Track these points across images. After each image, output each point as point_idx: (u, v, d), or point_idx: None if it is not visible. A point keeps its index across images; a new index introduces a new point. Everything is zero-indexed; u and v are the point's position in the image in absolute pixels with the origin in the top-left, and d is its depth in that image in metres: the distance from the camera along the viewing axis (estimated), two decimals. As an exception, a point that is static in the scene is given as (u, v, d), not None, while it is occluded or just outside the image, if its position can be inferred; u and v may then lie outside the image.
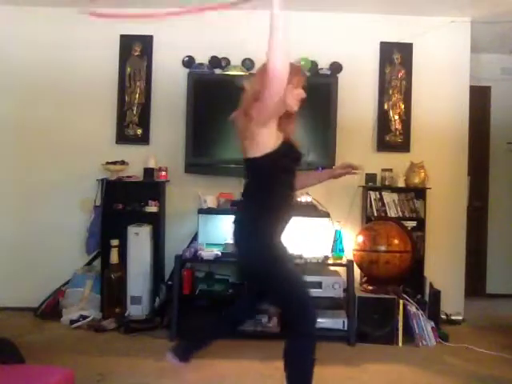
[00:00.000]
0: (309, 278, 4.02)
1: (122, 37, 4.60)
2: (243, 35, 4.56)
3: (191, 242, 4.43)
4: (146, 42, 4.60)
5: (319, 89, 4.47)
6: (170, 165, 4.52)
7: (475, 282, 5.25)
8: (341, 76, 4.55)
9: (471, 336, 4.17)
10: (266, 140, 2.45)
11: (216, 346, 2.85)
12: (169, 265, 4.41)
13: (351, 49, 4.62)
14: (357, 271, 4.22)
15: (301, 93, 2.58)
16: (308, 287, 2.62)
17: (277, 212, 2.52)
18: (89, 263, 4.58)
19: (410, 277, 4.20)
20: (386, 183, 4.49)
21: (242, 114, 2.48)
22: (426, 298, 4.22)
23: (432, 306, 4.13)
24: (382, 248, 4.03)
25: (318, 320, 3.88)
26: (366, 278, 4.24)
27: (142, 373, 3.32)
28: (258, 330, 3.98)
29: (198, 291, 4.20)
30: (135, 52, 4.61)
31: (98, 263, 4.53)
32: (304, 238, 4.32)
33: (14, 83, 4.63)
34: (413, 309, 4.00)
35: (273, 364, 3.45)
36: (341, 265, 4.12)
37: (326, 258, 4.08)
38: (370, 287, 4.10)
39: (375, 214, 4.41)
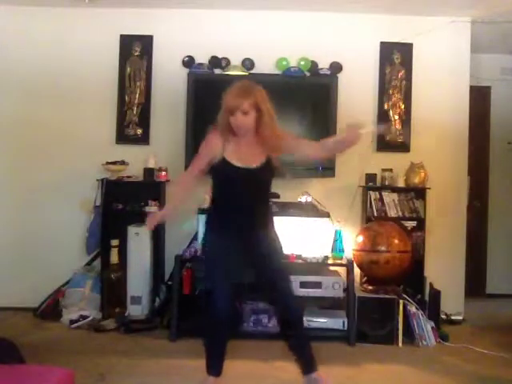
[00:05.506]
0: (309, 278, 4.05)
1: (122, 37, 4.60)
2: (243, 35, 4.58)
3: (191, 242, 4.42)
4: (146, 42, 4.60)
5: (319, 89, 4.48)
6: (170, 165, 4.51)
7: (475, 282, 5.24)
8: (341, 76, 4.55)
9: (471, 336, 4.17)
10: None
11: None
12: (169, 265, 4.40)
13: (351, 49, 4.62)
14: (357, 271, 4.22)
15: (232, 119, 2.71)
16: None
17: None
18: (89, 263, 4.58)
19: (410, 277, 4.20)
20: (386, 183, 4.48)
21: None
22: (426, 297, 4.21)
23: (432, 305, 4.13)
24: (382, 248, 4.03)
25: (319, 320, 3.96)
26: (365, 278, 4.24)
27: (142, 373, 3.31)
28: (258, 329, 3.98)
29: (197, 291, 4.20)
30: (135, 52, 4.61)
31: (98, 263, 4.53)
32: (304, 237, 4.32)
33: (14, 83, 4.63)
34: (413, 309, 3.99)
35: (273, 364, 3.46)
36: (341, 265, 4.12)
37: (326, 258, 4.08)
38: (370, 287, 4.10)
39: (375, 214, 4.40)
